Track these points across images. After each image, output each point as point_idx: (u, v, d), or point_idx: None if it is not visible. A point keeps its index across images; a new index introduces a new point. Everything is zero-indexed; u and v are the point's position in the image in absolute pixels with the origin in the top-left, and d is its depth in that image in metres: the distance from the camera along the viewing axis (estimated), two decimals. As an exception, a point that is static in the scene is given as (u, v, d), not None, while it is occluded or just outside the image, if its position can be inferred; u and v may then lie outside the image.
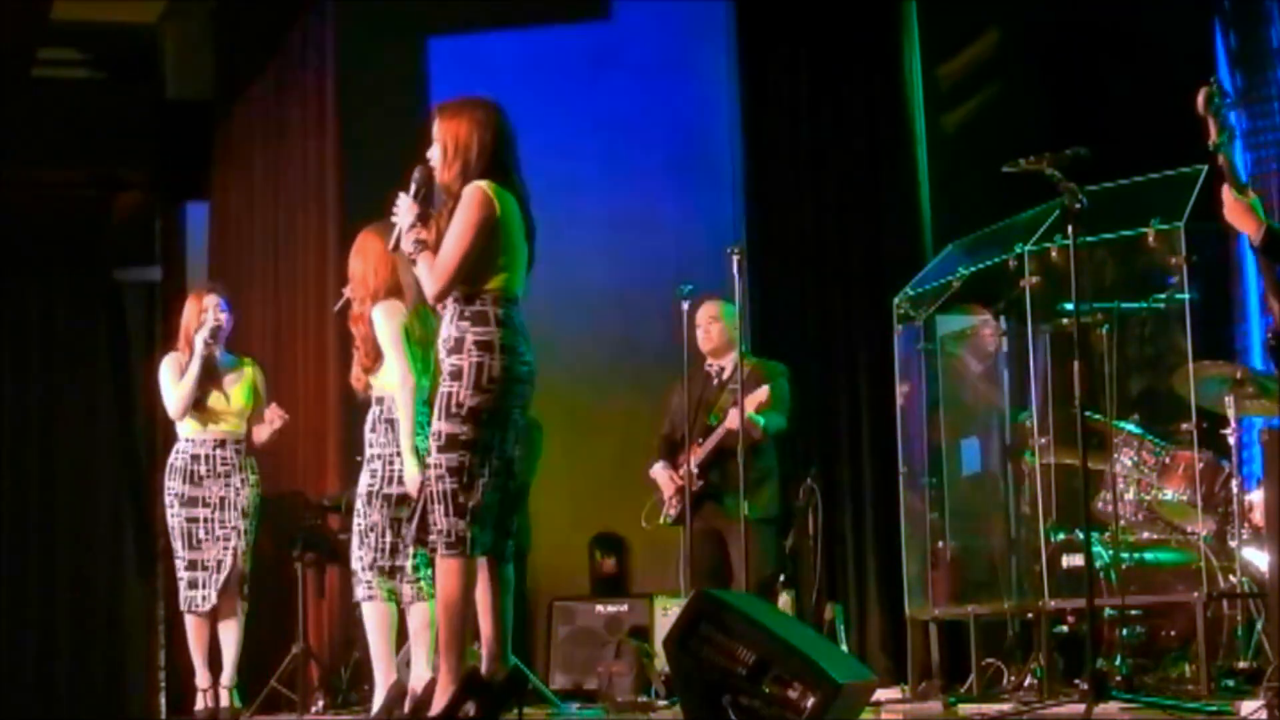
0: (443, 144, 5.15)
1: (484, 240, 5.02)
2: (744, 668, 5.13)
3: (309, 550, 8.14)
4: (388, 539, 6.20)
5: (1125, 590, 6.67)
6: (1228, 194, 4.81)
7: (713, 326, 7.43)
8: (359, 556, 6.26)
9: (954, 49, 9.32)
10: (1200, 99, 4.79)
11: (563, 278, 9.94)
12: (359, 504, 6.26)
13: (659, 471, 7.54)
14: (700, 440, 7.32)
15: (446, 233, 5.06)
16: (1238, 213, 4.80)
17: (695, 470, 7.27)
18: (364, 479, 6.25)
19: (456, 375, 5.01)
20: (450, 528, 4.97)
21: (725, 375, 7.47)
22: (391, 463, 6.16)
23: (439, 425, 5.02)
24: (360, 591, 6.27)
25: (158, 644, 10.61)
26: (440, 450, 5.00)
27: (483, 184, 5.06)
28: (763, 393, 7.11)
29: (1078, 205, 5.62)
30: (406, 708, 5.99)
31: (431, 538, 5.03)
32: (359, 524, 6.26)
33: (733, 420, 6.98)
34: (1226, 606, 6.57)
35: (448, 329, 5.08)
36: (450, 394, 5.00)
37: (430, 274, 5.06)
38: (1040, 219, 7.06)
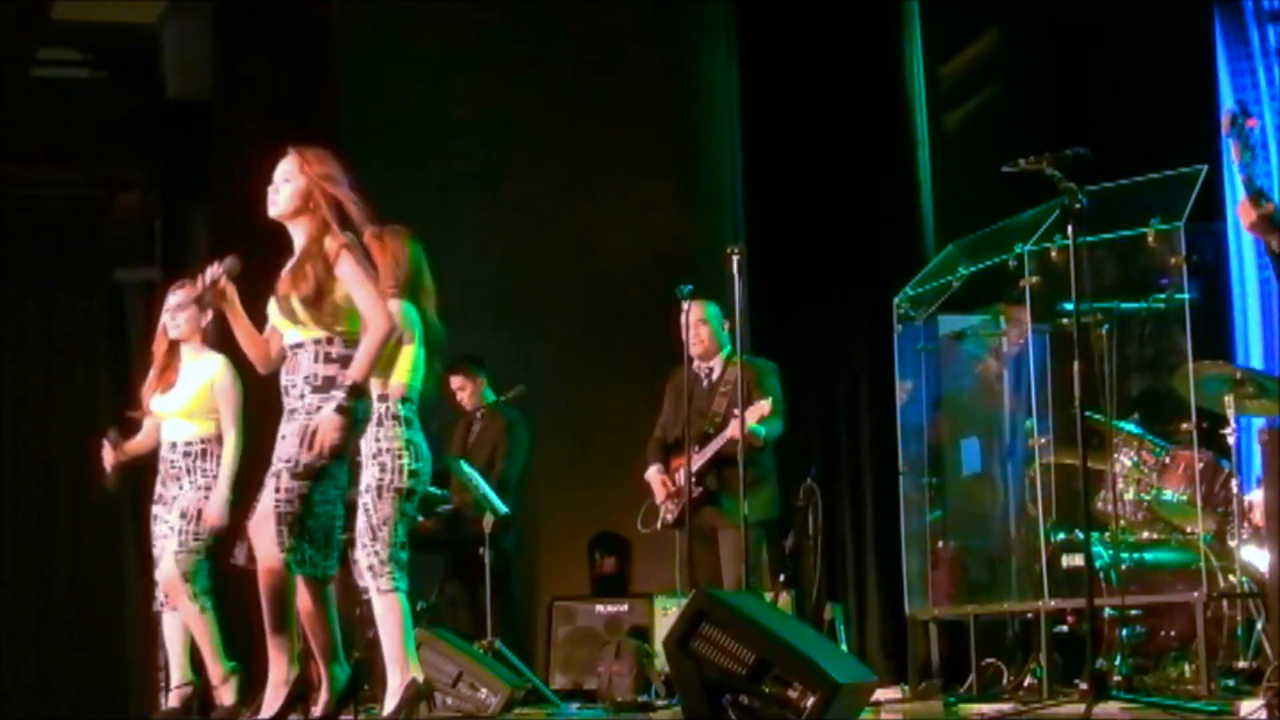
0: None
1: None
2: (744, 668, 5.14)
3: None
4: (400, 533, 6.15)
5: (1125, 590, 6.68)
6: (1247, 208, 4.88)
7: (701, 329, 7.44)
8: (374, 551, 6.11)
9: (954, 49, 9.32)
10: (1225, 122, 4.88)
11: (562, 277, 9.96)
12: (367, 499, 6.15)
13: (651, 476, 7.59)
14: (697, 448, 7.33)
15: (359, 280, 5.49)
16: (1260, 225, 4.92)
17: (692, 477, 7.28)
18: (370, 474, 6.14)
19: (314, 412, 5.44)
20: (288, 545, 5.39)
21: (715, 376, 7.49)
22: (400, 456, 6.12)
23: (297, 454, 5.42)
24: (383, 584, 6.10)
25: (158, 644, 10.57)
26: (295, 477, 5.41)
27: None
28: (765, 405, 7.11)
29: (1078, 205, 5.63)
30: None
31: (284, 555, 5.41)
32: (370, 519, 6.13)
33: (734, 429, 6.97)
34: (1226, 606, 6.57)
35: (312, 366, 5.46)
36: (305, 427, 5.42)
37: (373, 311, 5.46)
38: (1040, 219, 7.06)
